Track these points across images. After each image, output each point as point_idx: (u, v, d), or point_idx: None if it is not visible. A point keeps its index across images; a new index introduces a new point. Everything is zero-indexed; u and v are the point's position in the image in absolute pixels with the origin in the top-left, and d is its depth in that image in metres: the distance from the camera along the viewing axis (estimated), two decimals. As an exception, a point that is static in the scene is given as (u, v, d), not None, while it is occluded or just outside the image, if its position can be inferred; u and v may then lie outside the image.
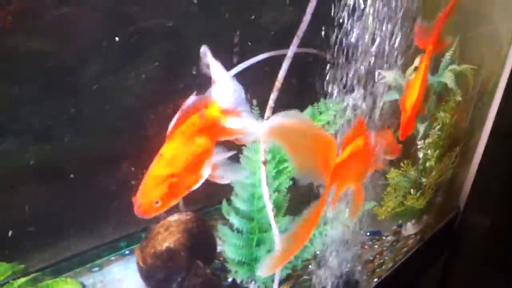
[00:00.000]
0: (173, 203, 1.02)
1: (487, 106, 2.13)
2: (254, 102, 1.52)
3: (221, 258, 1.82)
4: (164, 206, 1.00)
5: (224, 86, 1.12)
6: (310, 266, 1.86)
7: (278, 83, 1.33)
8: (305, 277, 1.84)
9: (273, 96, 1.34)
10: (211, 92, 1.11)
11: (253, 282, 1.74)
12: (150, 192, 0.98)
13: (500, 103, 2.01)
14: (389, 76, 1.67)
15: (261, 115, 1.60)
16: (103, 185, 1.80)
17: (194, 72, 1.68)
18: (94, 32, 1.61)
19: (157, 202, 0.98)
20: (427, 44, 1.56)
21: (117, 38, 1.62)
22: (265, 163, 1.35)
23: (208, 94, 1.11)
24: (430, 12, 1.53)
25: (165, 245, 1.63)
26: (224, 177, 1.12)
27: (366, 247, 2.07)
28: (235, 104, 1.12)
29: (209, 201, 2.11)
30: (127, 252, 1.90)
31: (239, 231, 1.66)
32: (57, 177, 1.68)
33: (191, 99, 1.07)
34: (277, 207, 1.69)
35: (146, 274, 1.65)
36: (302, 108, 1.69)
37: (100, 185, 1.80)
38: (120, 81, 1.75)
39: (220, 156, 1.11)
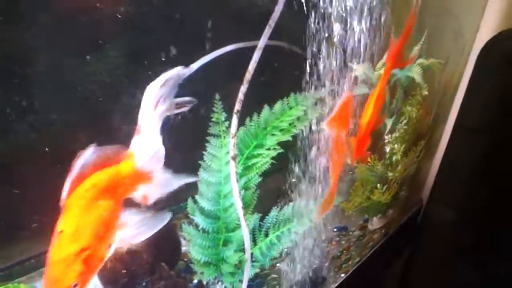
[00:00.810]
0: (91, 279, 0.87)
1: (451, 101, 2.15)
2: (217, 96, 1.45)
3: (186, 259, 1.75)
4: (83, 287, 0.85)
5: (149, 140, 0.96)
6: (278, 265, 1.81)
7: (248, 75, 1.26)
8: (273, 275, 1.80)
9: (243, 89, 1.27)
10: (132, 144, 0.95)
11: (220, 283, 1.68)
12: (63, 277, 0.82)
13: (463, 98, 2.03)
14: (358, 69, 1.64)
15: (228, 108, 1.53)
16: (57, 183, 1.67)
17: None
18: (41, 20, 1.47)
19: (75, 285, 0.83)
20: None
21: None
22: (234, 158, 1.28)
23: (115, 148, 0.94)
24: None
25: (126, 247, 1.53)
26: (138, 235, 0.98)
27: (333, 243, 2.04)
28: (152, 164, 0.98)
29: (173, 199, 2.00)
30: (84, 254, 1.78)
31: (205, 231, 1.58)
32: (6, 175, 1.55)
33: (90, 153, 0.90)
34: (245, 204, 1.63)
35: (106, 278, 1.54)
36: (271, 103, 1.63)
37: (54, 183, 1.67)
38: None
39: (131, 215, 0.96)
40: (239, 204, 1.34)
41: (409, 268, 2.39)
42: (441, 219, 2.25)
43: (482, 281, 2.23)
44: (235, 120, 1.27)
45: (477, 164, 2.09)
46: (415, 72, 1.74)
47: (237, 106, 1.28)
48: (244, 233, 1.38)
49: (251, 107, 1.64)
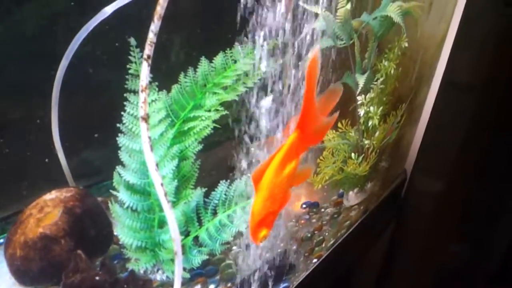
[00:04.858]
0: None
1: (437, 55, 1.88)
2: (132, 41, 1.18)
3: (120, 243, 1.49)
4: None
5: None
6: (234, 248, 1.57)
7: (159, 8, 0.98)
8: (229, 261, 1.55)
9: (153, 28, 0.99)
10: None
11: (160, 272, 1.43)
12: None
13: (451, 50, 1.77)
14: (319, 19, 1.35)
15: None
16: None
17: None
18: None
19: None
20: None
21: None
22: (146, 119, 1.01)
23: None
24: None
25: (39, 231, 1.28)
26: None
27: (302, 221, 1.80)
28: None
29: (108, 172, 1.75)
30: (1, 240, 1.53)
31: (134, 210, 1.33)
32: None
33: None
34: (183, 177, 1.37)
35: (17, 269, 1.30)
36: (210, 56, 1.36)
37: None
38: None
39: None
40: (157, 181, 1.06)
41: (392, 247, 2.17)
42: (427, 191, 2.04)
43: (472, 255, 2.05)
44: (145, 67, 1.00)
45: (467, 127, 1.85)
46: (392, 12, 1.43)
47: (147, 50, 1.00)
48: (169, 219, 1.10)
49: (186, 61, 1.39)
